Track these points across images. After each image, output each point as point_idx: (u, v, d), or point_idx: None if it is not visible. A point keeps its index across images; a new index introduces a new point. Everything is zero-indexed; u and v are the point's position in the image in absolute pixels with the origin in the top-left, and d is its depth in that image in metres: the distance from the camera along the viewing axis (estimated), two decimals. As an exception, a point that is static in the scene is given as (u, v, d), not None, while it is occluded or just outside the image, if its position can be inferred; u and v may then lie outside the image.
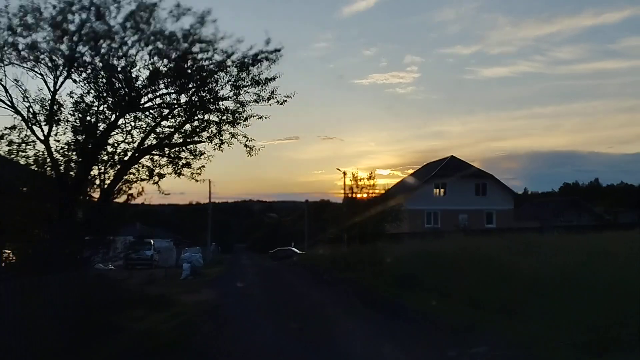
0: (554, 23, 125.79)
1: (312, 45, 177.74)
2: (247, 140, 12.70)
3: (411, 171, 62.76)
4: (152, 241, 37.10)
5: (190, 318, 12.59)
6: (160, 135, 11.87)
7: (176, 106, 11.55)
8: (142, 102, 11.29)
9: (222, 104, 11.68)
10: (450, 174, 51.79)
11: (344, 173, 47.75)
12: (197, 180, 12.94)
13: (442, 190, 52.27)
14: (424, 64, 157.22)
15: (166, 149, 12.21)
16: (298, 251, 59.16)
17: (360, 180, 35.51)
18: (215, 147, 12.26)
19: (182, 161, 12.37)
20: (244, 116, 11.97)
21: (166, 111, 11.62)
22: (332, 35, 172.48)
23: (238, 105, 11.80)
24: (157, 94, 11.26)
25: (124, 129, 11.34)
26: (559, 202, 67.49)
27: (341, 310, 13.18)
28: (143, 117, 11.58)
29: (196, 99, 11.39)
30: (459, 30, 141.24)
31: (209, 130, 12.06)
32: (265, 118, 12.34)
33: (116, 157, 11.63)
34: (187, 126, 12.09)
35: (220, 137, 12.18)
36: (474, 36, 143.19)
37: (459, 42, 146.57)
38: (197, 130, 12.21)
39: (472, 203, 51.24)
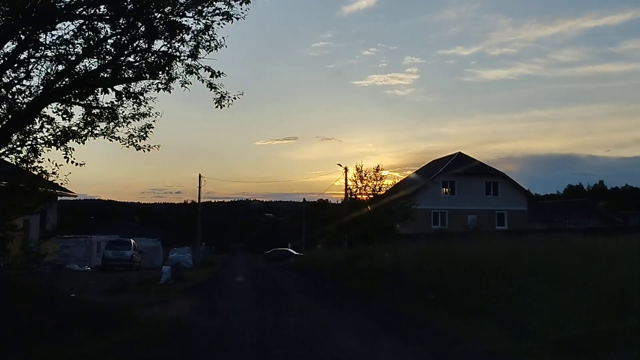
0: (555, 25, 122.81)
1: (311, 45, 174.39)
2: (212, 76, 8.28)
3: (410, 172, 58.69)
4: (132, 241, 32.77)
5: (134, 353, 8.43)
6: (80, 73, 7.55)
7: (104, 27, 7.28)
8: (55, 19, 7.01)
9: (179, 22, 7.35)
10: (459, 172, 47.71)
11: (345, 169, 43.55)
12: (142, 148, 8.68)
13: (449, 189, 48.14)
14: (423, 65, 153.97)
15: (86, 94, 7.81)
16: (295, 252, 54.88)
17: (365, 175, 31.42)
18: (161, 86, 7.99)
19: (109, 113, 8.06)
20: (212, 43, 7.65)
21: (89, 34, 7.38)
22: (332, 35, 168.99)
23: (200, 20, 7.46)
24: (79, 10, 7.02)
25: (23, 62, 7.11)
26: (567, 204, 63.73)
27: (360, 345, 8.87)
28: (54, 43, 7.26)
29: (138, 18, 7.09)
30: (459, 31, 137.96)
31: (151, 60, 7.73)
32: (237, 19, 8.00)
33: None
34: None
35: (169, 71, 7.88)
36: (474, 37, 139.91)
37: (459, 44, 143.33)
38: (134, 64, 7.97)
39: (482, 203, 47.10)
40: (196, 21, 7.40)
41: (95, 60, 7.44)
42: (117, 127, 8.47)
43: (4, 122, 7.41)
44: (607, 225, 47.28)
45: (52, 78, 7.27)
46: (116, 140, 8.58)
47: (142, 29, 7.13)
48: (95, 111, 8.11)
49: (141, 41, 7.35)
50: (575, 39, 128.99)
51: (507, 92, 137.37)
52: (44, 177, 8.78)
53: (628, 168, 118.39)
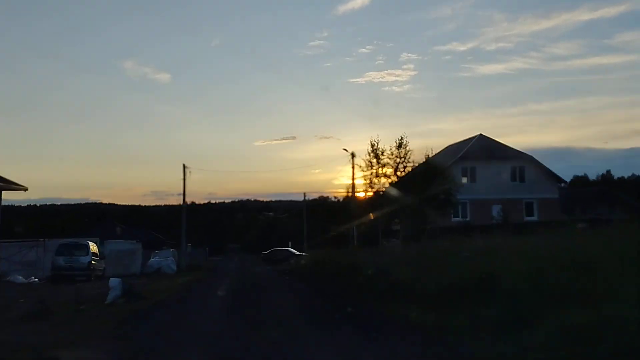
0: (550, 18, 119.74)
1: (307, 44, 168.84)
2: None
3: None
4: (89, 243, 25.31)
5: None
6: None
7: None
8: None
9: None
10: (480, 156, 40.55)
11: (352, 154, 36.48)
12: None
13: (470, 176, 40.86)
14: (420, 61, 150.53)
15: None
16: (296, 252, 47.51)
17: (382, 154, 24.23)
18: None
19: None
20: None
21: None
22: (328, 34, 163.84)
23: None
24: None
25: None
26: (590, 193, 56.89)
27: None
28: None
29: None
30: (455, 27, 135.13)
31: None
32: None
33: None
34: None
35: None
36: (469, 33, 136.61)
37: (455, 39, 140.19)
38: None
39: (508, 191, 39.84)
40: None
41: None
42: None
43: None
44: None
45: None
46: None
47: None
48: None
49: None
50: (570, 32, 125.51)
51: (504, 86, 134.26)
52: None
53: (626, 159, 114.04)
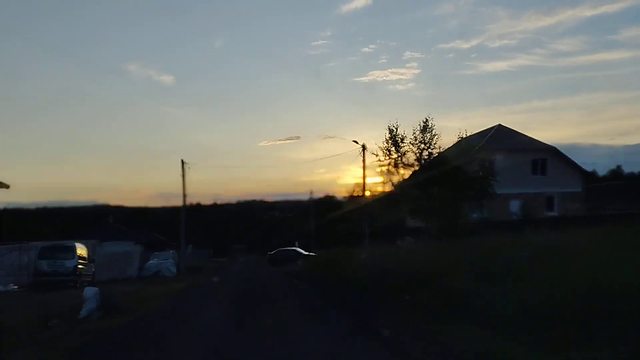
0: (554, 15, 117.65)
1: (310, 43, 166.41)
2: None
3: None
4: (76, 245, 22.37)
5: None
6: None
7: None
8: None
9: None
10: (499, 148, 37.41)
11: (363, 146, 33.56)
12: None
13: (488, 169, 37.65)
14: (423, 59, 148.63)
15: None
16: (304, 252, 44.51)
17: (402, 141, 21.17)
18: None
19: None
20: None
21: None
22: (331, 33, 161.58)
23: None
24: None
25: None
26: (608, 188, 53.71)
27: None
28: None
29: None
30: (458, 25, 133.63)
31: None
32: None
33: None
34: None
35: None
36: (473, 31, 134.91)
37: (458, 37, 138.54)
38: None
39: (529, 184, 36.71)
40: None
41: None
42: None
43: None
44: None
45: None
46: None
47: None
48: None
49: None
50: (575, 28, 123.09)
51: (508, 83, 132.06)
52: None
53: (633, 155, 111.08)
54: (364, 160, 32.64)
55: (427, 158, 20.60)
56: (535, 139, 39.04)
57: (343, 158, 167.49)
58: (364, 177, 32.90)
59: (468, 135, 23.54)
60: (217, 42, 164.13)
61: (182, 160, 32.73)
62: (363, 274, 13.54)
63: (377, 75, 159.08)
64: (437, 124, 21.52)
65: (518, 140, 38.20)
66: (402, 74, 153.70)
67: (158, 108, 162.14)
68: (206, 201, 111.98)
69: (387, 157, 21.16)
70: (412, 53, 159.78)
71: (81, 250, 22.68)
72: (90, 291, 13.42)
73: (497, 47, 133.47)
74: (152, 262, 32.58)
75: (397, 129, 21.39)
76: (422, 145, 20.73)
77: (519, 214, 34.80)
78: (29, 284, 22.01)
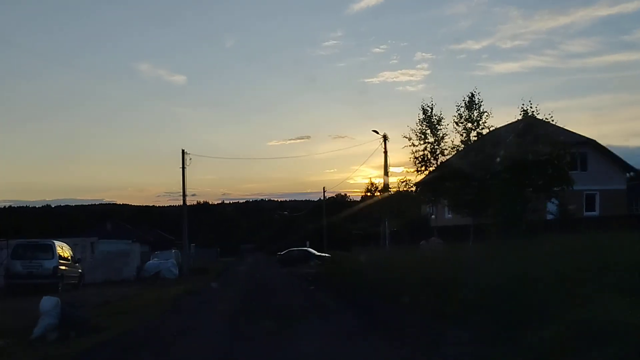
0: (567, 15, 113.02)
1: (321, 44, 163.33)
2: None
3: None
4: (55, 244, 19.04)
5: None
6: None
7: None
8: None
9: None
10: (532, 141, 33.69)
11: (384, 136, 30.12)
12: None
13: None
14: (434, 60, 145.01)
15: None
16: (316, 252, 41.11)
17: (440, 122, 17.67)
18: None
19: None
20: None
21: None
22: (342, 33, 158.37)
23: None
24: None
25: None
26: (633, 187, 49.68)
27: None
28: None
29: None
30: (470, 25, 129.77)
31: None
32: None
33: None
34: None
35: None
36: (484, 31, 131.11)
37: (469, 38, 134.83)
38: None
39: (566, 181, 33.09)
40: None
41: None
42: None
43: None
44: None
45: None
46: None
47: None
48: None
49: None
50: (588, 29, 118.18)
51: (520, 85, 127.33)
52: None
53: None
54: (385, 152, 29.21)
55: (477, 139, 17.12)
56: (571, 131, 35.28)
57: (353, 157, 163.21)
58: (385, 170, 29.46)
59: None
60: (227, 42, 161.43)
61: (183, 151, 29.49)
62: (405, 282, 10.15)
63: (387, 76, 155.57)
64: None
65: (551, 133, 34.46)
66: (412, 75, 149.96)
67: (168, 108, 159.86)
68: (214, 200, 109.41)
69: (422, 142, 17.70)
70: (423, 54, 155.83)
71: (63, 249, 19.39)
72: (47, 302, 10.03)
73: (509, 47, 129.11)
74: (152, 262, 29.32)
75: (432, 108, 17.96)
76: (469, 125, 17.25)
77: (555, 213, 31.24)
78: (0, 287, 18.81)
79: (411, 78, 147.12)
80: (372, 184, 68.24)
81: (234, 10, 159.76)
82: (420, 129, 18.15)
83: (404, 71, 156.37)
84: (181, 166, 29.49)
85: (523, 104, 18.15)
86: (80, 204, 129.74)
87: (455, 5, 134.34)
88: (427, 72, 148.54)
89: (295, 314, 10.15)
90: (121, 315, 11.97)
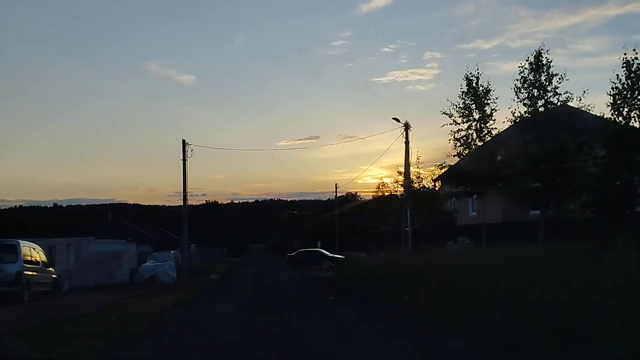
0: (577, 14, 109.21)
1: (330, 44, 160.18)
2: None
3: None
4: (20, 244, 15.61)
5: None
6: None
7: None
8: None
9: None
10: (570, 132, 29.90)
11: (406, 125, 26.65)
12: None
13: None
14: (443, 60, 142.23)
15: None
16: (328, 254, 37.68)
17: (488, 94, 14.19)
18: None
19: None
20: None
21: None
22: (351, 34, 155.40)
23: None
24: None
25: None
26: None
27: None
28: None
29: None
30: (479, 24, 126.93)
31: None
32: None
33: None
34: None
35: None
36: (494, 30, 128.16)
37: (479, 37, 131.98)
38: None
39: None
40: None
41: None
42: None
43: None
44: None
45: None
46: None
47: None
48: None
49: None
50: (598, 28, 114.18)
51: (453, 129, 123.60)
52: None
53: None
54: (407, 142, 25.73)
55: (546, 109, 13.59)
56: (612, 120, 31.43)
57: (362, 157, 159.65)
58: (406, 162, 25.97)
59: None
60: (236, 42, 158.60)
61: (184, 141, 26.13)
62: (477, 299, 6.73)
63: (396, 75, 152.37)
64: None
65: (592, 122, 30.68)
66: (421, 74, 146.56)
67: (177, 107, 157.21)
68: (224, 200, 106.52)
69: (466, 120, 14.17)
70: (433, 53, 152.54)
71: (32, 251, 16.10)
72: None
73: (518, 47, 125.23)
74: (148, 264, 26.06)
75: (478, 78, 14.43)
76: (536, 92, 13.72)
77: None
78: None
79: (421, 77, 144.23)
80: (383, 184, 64.60)
81: (242, 10, 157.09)
82: (463, 103, 14.67)
83: (413, 70, 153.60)
84: (182, 158, 26.17)
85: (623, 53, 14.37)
86: (91, 203, 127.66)
87: (465, 5, 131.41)
88: (436, 72, 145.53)
89: (313, 336, 6.75)
90: (60, 343, 8.59)
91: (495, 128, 15.32)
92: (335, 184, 52.79)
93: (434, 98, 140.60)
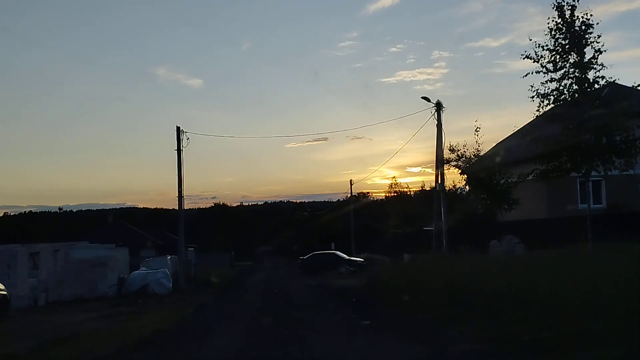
0: (586, 10, 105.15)
1: (337, 44, 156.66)
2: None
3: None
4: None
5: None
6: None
7: None
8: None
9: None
10: (618, 113, 25.58)
11: (438, 104, 22.59)
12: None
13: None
14: (452, 59, 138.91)
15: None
16: (345, 256, 33.52)
17: (588, 31, 9.98)
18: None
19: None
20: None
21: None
22: (358, 34, 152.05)
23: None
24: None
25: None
26: None
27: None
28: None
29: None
30: (487, 22, 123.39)
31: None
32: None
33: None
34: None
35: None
36: (502, 28, 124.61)
37: (487, 35, 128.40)
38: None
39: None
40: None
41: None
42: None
43: None
44: None
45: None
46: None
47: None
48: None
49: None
50: (607, 24, 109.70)
51: (539, 81, 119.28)
52: None
53: None
54: (439, 125, 21.61)
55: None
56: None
57: (370, 157, 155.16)
58: (438, 149, 21.87)
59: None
60: (244, 45, 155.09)
61: (178, 128, 22.18)
62: None
63: (404, 75, 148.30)
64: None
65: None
66: (429, 74, 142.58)
67: (186, 111, 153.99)
68: (233, 203, 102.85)
69: (560, 64, 9.91)
70: (440, 52, 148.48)
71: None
72: None
73: (527, 45, 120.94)
74: (139, 272, 22.07)
75: (574, 7, 10.24)
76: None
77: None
78: None
79: (429, 77, 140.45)
80: (395, 183, 60.21)
81: (249, 13, 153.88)
82: (555, 42, 10.45)
83: (421, 70, 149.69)
84: (176, 148, 22.24)
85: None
86: (102, 208, 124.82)
87: (472, 4, 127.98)
88: (444, 71, 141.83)
89: None
90: None
91: (603, 77, 11.19)
92: (350, 180, 48.72)
93: (442, 97, 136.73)
